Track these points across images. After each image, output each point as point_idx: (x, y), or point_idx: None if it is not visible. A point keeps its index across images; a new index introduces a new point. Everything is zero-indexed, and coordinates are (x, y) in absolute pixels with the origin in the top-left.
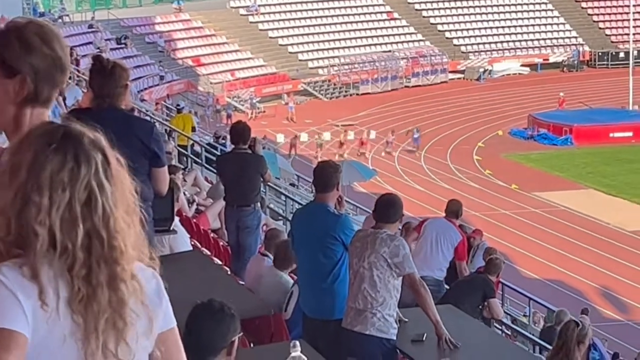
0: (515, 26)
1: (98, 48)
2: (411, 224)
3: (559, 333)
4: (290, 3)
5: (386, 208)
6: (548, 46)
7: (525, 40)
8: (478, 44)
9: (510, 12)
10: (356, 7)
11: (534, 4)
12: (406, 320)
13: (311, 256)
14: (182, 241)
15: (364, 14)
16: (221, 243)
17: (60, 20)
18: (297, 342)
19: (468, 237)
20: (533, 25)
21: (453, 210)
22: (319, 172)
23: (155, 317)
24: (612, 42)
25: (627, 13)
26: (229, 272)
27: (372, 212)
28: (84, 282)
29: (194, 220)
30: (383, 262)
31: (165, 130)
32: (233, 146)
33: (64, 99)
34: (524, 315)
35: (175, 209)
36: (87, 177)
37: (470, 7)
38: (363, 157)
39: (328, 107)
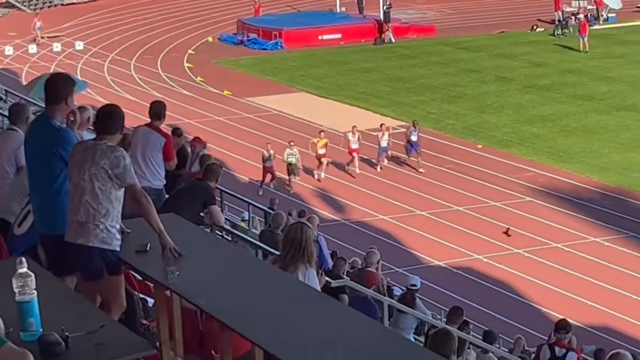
0: None
1: None
2: (129, 135)
3: (292, 237)
4: None
5: (106, 119)
6: None
7: None
8: None
9: None
10: None
11: None
12: (129, 231)
13: (32, 170)
14: None
15: None
16: None
17: None
18: (24, 259)
19: (190, 145)
20: None
21: (155, 112)
22: (49, 83)
23: None
24: None
25: None
26: None
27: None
28: None
29: None
30: (104, 174)
31: None
32: None
33: None
34: (243, 220)
35: None
36: None
37: None
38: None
39: (32, 18)
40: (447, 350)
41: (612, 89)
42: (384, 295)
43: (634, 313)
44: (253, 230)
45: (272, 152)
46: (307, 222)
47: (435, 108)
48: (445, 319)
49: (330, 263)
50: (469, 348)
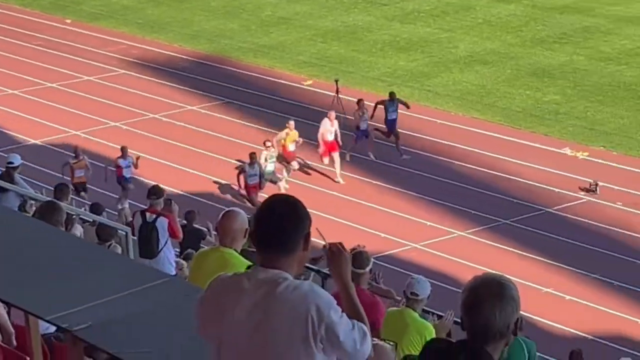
0: None
1: None
2: None
3: None
4: None
5: None
6: None
7: None
8: None
9: None
10: None
11: None
12: None
13: None
14: None
15: None
16: None
17: None
18: None
19: None
20: None
21: None
22: None
23: None
24: None
25: None
26: None
27: None
28: None
29: None
30: None
31: None
32: None
33: None
34: None
35: None
36: None
37: None
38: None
39: None
40: (54, 220)
41: None
42: None
43: (228, 175)
44: None
45: (266, 162)
46: None
47: None
48: (53, 197)
49: None
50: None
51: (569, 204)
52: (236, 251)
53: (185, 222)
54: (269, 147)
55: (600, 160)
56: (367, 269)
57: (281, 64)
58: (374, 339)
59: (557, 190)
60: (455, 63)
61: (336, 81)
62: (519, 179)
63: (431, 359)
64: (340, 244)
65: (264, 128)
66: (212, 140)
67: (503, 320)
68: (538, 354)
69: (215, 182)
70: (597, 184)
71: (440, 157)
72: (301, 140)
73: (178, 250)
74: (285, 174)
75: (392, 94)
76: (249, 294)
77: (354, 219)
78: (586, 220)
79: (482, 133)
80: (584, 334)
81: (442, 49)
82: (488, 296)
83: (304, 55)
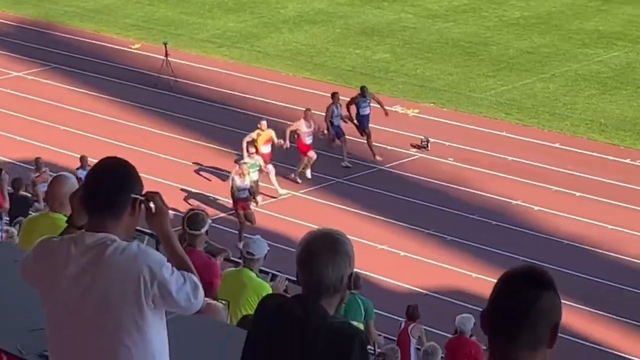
0: None
1: None
2: None
3: None
4: None
5: None
6: None
7: None
8: None
9: None
10: None
11: None
12: None
13: None
14: None
15: None
16: None
17: None
18: None
19: None
20: None
21: None
22: None
23: None
24: None
25: None
26: None
27: None
28: None
29: None
30: None
31: None
32: None
33: None
34: None
35: None
36: None
37: None
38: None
39: None
40: None
41: None
42: None
43: (56, 141)
44: None
45: (252, 173)
46: None
47: None
48: None
49: None
50: None
51: (401, 161)
52: (66, 216)
53: (12, 190)
54: (252, 154)
55: (430, 117)
56: (204, 230)
57: (108, 27)
58: (206, 298)
59: (389, 147)
60: (284, 23)
61: (165, 44)
62: (352, 138)
63: (266, 315)
64: (157, 193)
65: (92, 93)
66: (39, 107)
67: (336, 274)
68: (375, 310)
69: (43, 148)
70: (428, 141)
71: (271, 118)
72: (280, 141)
73: (7, 219)
74: (274, 182)
75: (363, 88)
76: (75, 260)
77: (189, 183)
78: (418, 177)
79: (313, 93)
80: (419, 289)
81: (271, 9)
82: (321, 250)
83: (130, 19)
